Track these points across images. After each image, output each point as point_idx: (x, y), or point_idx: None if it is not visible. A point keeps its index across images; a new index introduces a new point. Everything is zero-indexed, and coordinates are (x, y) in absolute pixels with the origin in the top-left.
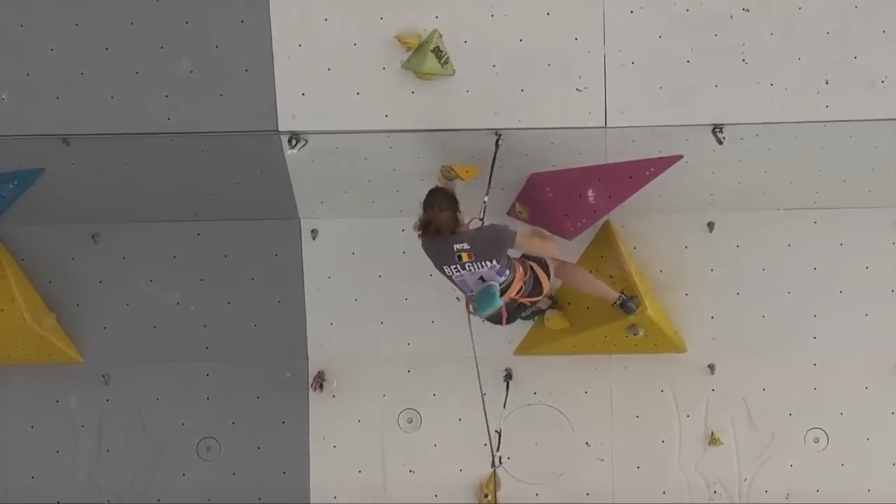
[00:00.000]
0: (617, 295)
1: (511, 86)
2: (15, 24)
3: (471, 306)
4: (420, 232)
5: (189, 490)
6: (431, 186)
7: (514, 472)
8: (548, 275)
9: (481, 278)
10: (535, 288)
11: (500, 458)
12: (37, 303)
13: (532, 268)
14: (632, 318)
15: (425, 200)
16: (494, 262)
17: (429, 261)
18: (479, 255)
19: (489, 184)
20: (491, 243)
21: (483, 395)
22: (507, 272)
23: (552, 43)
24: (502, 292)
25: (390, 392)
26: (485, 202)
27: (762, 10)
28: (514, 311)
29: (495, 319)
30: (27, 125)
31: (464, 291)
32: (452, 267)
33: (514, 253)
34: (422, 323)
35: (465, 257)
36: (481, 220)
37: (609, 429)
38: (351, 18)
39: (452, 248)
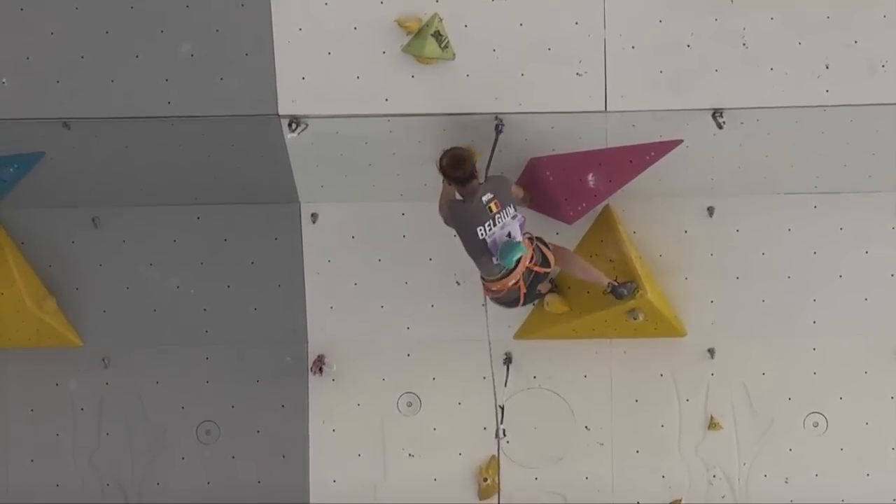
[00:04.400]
0: (607, 282)
1: (511, 70)
2: (15, 7)
3: (490, 289)
4: (451, 168)
5: (188, 473)
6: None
7: (513, 456)
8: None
9: (510, 234)
10: (544, 261)
11: (504, 430)
12: (37, 286)
13: (537, 245)
14: (632, 303)
15: (442, 158)
16: (511, 207)
17: (433, 244)
18: (502, 200)
19: (488, 167)
20: (501, 184)
21: (492, 373)
22: (525, 230)
23: (552, 27)
24: (516, 262)
25: (390, 376)
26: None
27: None
28: (530, 286)
29: (513, 300)
30: (27, 109)
31: (491, 258)
32: (486, 224)
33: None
34: (422, 307)
35: (493, 207)
36: None
37: (609, 413)
38: (351, 2)
39: (482, 202)
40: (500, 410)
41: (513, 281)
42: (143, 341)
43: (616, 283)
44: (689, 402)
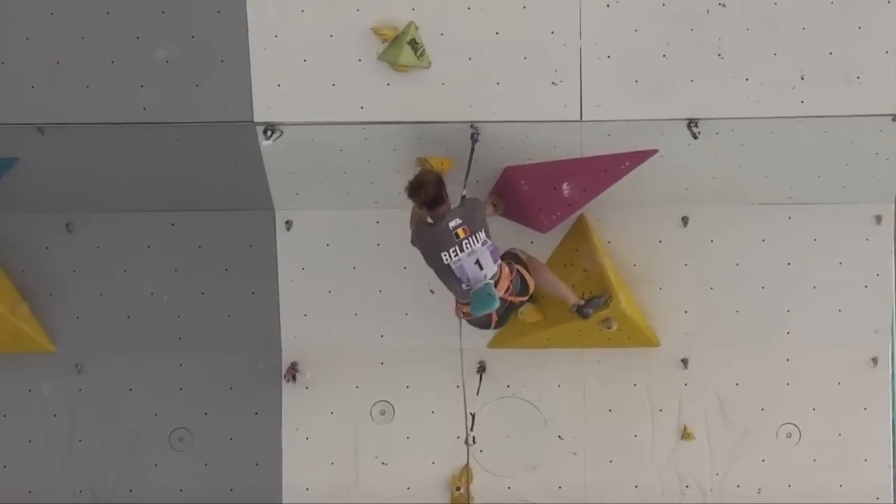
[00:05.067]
0: (574, 301)
1: (487, 78)
2: None
3: (461, 310)
4: (412, 193)
5: (161, 480)
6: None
7: (486, 465)
8: (531, 276)
9: (478, 263)
10: (523, 288)
11: (475, 437)
12: (10, 292)
13: (518, 270)
14: (605, 312)
15: (411, 183)
16: (483, 233)
17: (407, 252)
18: (471, 226)
19: (466, 177)
20: (473, 208)
21: (463, 381)
22: (498, 259)
23: (528, 36)
24: (494, 284)
25: (363, 384)
26: (463, 195)
27: (739, 4)
28: (504, 314)
29: (485, 323)
30: (1, 114)
31: (460, 285)
32: (451, 251)
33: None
34: (396, 315)
35: (461, 233)
36: None
37: (582, 422)
38: (327, 10)
39: (448, 228)
40: (470, 417)
41: None
42: (116, 347)
43: (582, 303)
44: (662, 412)
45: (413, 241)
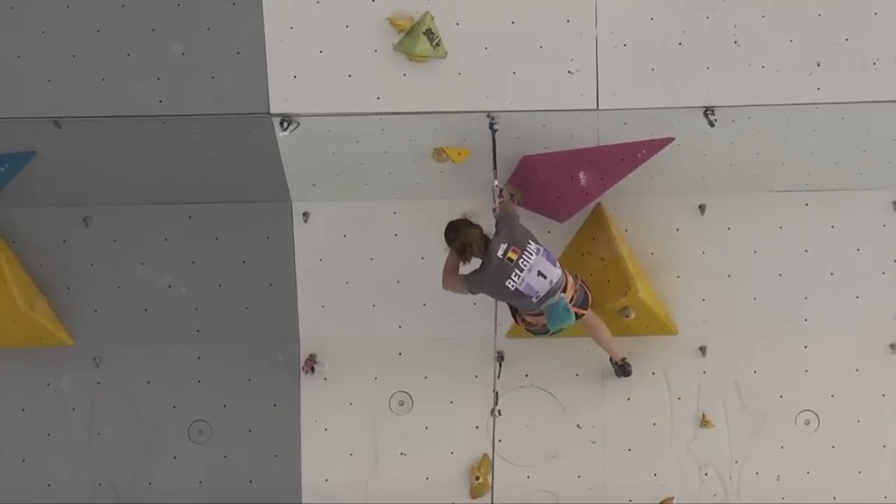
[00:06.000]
0: (620, 357)
1: (503, 68)
2: (6, 6)
3: (525, 319)
4: (461, 256)
5: (180, 473)
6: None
7: (505, 455)
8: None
9: (540, 273)
10: (584, 301)
11: (500, 410)
12: (28, 286)
13: (582, 282)
14: (623, 301)
15: (448, 234)
16: (532, 244)
17: (425, 242)
18: (518, 243)
19: (495, 168)
20: (510, 225)
21: (497, 358)
22: (556, 263)
23: (544, 25)
24: (561, 290)
25: (382, 375)
26: (496, 185)
27: None
28: None
29: (542, 330)
30: (18, 108)
31: (530, 300)
32: (514, 275)
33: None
34: (413, 306)
35: (513, 256)
36: (496, 205)
37: (600, 411)
38: (343, 1)
39: (499, 258)
40: (495, 395)
41: None
42: (134, 340)
43: (619, 363)
44: (680, 401)
45: (474, 291)
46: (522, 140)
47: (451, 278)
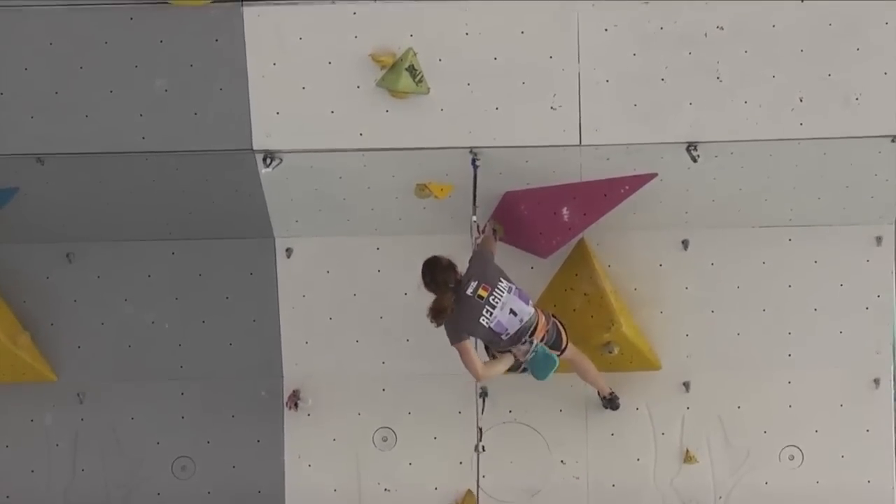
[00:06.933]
0: (608, 391)
1: (485, 104)
2: None
3: (503, 336)
4: (434, 319)
5: None
6: (427, 258)
7: (489, 491)
8: (567, 334)
9: (511, 311)
10: (557, 340)
11: (484, 446)
12: (11, 321)
13: (556, 322)
14: (606, 336)
15: (425, 276)
16: (504, 282)
17: (408, 278)
18: (488, 281)
19: (474, 204)
20: (482, 263)
21: (480, 394)
22: (529, 301)
23: (527, 61)
24: (531, 332)
25: (365, 411)
26: (473, 221)
27: (736, 27)
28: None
29: (515, 367)
30: (1, 144)
31: (499, 337)
32: (485, 312)
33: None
34: (397, 342)
35: (483, 293)
36: (474, 240)
37: (584, 447)
38: (325, 37)
39: (469, 295)
40: (479, 431)
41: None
42: (118, 376)
43: (607, 396)
44: (664, 436)
45: (455, 340)
46: (505, 176)
47: (468, 356)
